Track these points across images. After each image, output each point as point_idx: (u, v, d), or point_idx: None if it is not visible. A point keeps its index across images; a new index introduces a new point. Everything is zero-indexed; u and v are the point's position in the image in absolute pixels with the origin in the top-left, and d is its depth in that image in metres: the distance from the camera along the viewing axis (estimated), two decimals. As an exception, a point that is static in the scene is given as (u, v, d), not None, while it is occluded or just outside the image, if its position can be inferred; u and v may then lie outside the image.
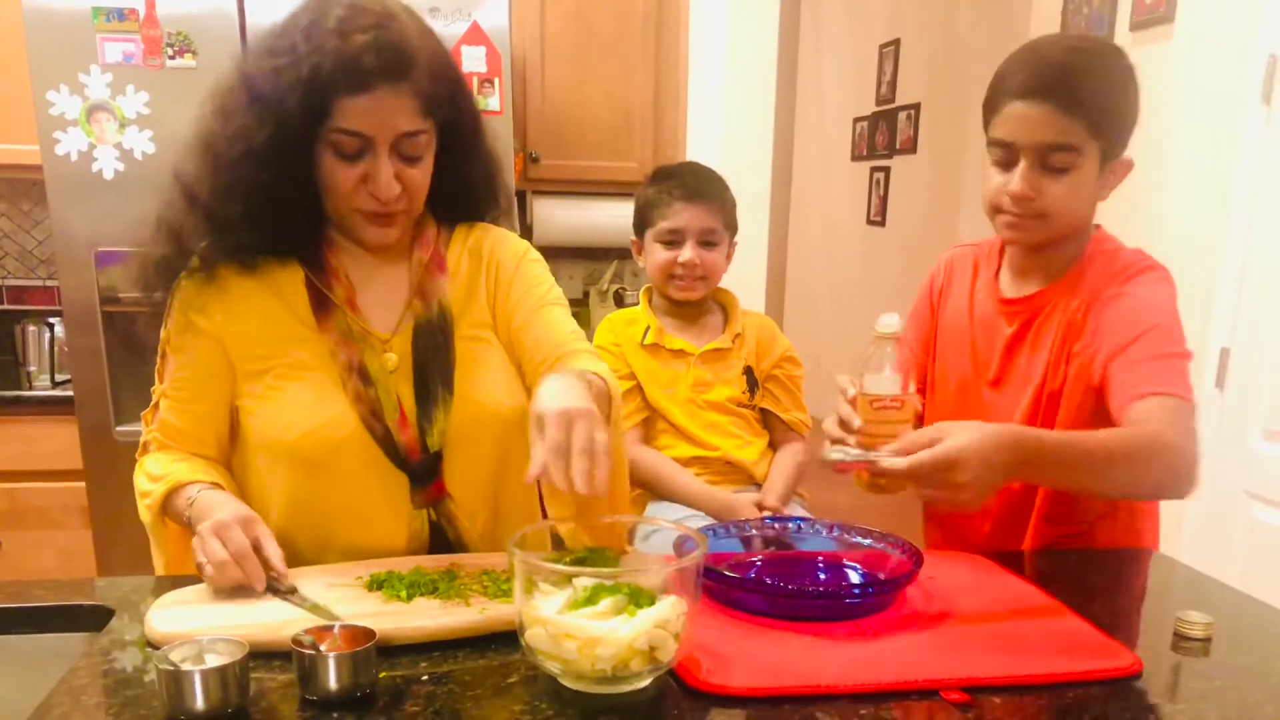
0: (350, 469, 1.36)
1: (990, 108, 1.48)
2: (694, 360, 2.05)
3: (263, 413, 1.37)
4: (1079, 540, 1.58)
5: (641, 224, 2.09)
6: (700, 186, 2.03)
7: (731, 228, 2.07)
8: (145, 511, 1.37)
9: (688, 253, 2.00)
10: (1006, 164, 1.46)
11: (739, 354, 2.08)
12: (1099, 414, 1.44)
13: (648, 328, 2.07)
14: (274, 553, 1.22)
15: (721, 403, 2.04)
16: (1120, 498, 1.53)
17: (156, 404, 1.42)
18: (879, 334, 1.33)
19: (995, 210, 1.50)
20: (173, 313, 1.39)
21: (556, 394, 1.12)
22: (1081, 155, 1.42)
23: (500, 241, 1.52)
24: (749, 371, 2.09)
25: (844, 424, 1.32)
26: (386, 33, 1.25)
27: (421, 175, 1.35)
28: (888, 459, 1.20)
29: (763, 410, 2.11)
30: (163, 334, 1.41)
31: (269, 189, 1.29)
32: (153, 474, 1.37)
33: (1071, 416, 1.50)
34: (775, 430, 2.12)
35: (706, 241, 2.01)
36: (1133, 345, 1.40)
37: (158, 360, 1.43)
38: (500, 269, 1.49)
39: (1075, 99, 1.39)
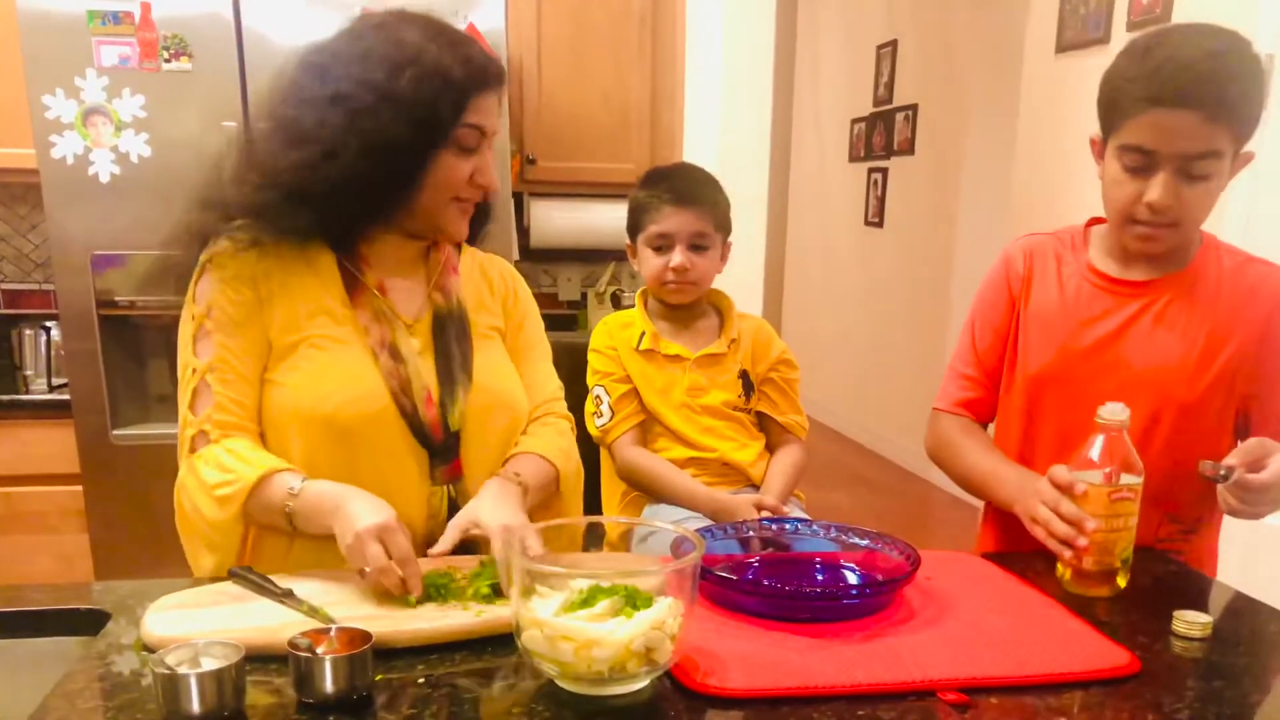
0: (377, 442, 1.40)
1: (1119, 111, 1.44)
2: (689, 365, 2.04)
3: (294, 383, 1.39)
4: (1186, 541, 1.61)
5: (634, 227, 2.08)
6: (690, 189, 2.02)
7: (724, 229, 2.05)
8: (217, 506, 1.31)
9: (678, 257, 1.98)
10: (1140, 170, 1.43)
11: (734, 358, 2.07)
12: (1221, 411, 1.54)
13: (643, 333, 2.06)
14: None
15: (717, 407, 2.04)
16: None
17: (197, 390, 1.38)
18: (1106, 422, 1.32)
19: (1127, 220, 1.48)
20: (208, 290, 1.40)
21: (494, 510, 1.36)
22: (1222, 159, 1.40)
23: (511, 273, 1.69)
24: (745, 375, 2.08)
25: (1077, 524, 1.33)
26: (484, 45, 1.44)
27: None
28: (1250, 475, 1.30)
29: (759, 413, 2.10)
30: (196, 311, 1.40)
31: (381, 183, 1.38)
32: (226, 464, 1.33)
33: (1193, 403, 1.52)
34: (771, 433, 2.11)
35: (697, 245, 2.00)
36: None
37: (189, 344, 1.40)
38: (514, 299, 1.65)
39: (1222, 107, 1.36)
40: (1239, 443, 1.49)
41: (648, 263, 2.03)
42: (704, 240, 2.00)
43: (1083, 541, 1.33)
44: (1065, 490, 1.35)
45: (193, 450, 1.38)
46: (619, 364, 2.04)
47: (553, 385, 1.69)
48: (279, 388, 1.40)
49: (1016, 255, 1.68)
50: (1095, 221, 1.66)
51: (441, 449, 1.44)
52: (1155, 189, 1.42)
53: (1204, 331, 1.52)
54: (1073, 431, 1.49)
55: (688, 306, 2.07)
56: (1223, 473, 1.32)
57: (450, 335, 1.49)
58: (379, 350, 1.42)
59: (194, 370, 1.39)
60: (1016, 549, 1.58)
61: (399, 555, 1.20)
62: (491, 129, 1.44)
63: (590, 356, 2.08)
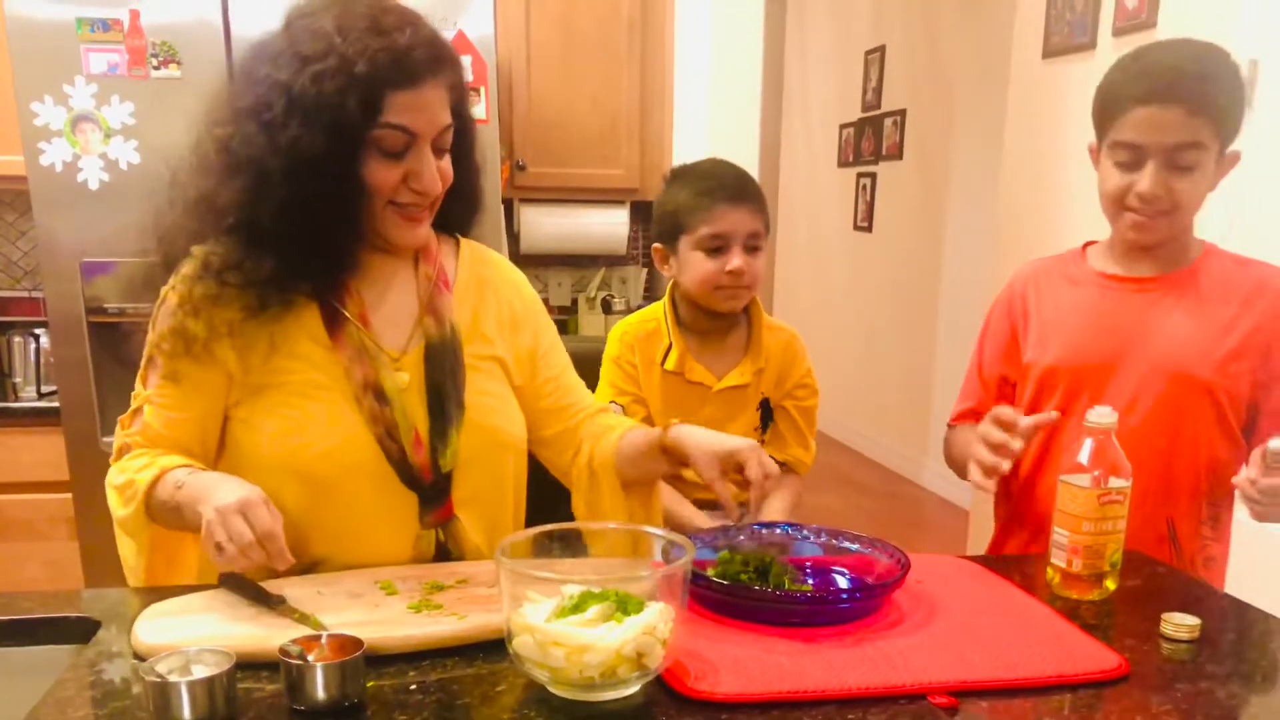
0: (361, 489, 1.34)
1: (1110, 112, 1.54)
2: (710, 395, 1.90)
3: (271, 429, 1.33)
4: (1215, 527, 1.67)
5: (673, 230, 1.87)
6: (743, 186, 1.85)
7: (769, 228, 1.89)
8: (124, 505, 1.31)
9: (736, 260, 1.80)
10: (1131, 165, 1.53)
11: (757, 389, 1.93)
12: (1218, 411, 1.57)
13: (669, 348, 1.90)
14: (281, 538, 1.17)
15: None
16: None
17: (138, 410, 1.37)
18: (1095, 425, 1.33)
19: (1121, 210, 1.56)
20: (165, 316, 1.35)
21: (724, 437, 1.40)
22: (1206, 151, 1.50)
23: (512, 280, 1.58)
24: (765, 403, 1.94)
25: (1002, 448, 1.45)
26: (422, 29, 1.29)
27: (449, 169, 1.37)
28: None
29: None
30: (150, 337, 1.37)
31: (323, 200, 1.27)
32: (133, 467, 1.32)
33: (1214, 386, 1.56)
34: None
35: (751, 246, 1.83)
36: None
37: (142, 364, 1.39)
38: (518, 315, 1.54)
39: (1203, 101, 1.47)
40: (1247, 439, 1.58)
41: (696, 267, 1.84)
42: (757, 240, 1.84)
43: (1005, 465, 1.44)
44: (1008, 426, 1.45)
45: (118, 457, 1.38)
46: (637, 384, 1.90)
47: (583, 386, 1.63)
48: (253, 430, 1.35)
49: (1016, 280, 1.77)
50: (1090, 244, 1.73)
51: (431, 492, 1.38)
52: (1145, 179, 1.50)
53: (1217, 319, 1.57)
54: None
55: (724, 316, 1.92)
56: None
57: (442, 368, 1.40)
58: (362, 393, 1.34)
59: (135, 393, 1.39)
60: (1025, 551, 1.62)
61: (261, 530, 1.14)
62: (422, 129, 1.29)
63: (606, 365, 1.94)
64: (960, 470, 1.76)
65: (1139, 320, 1.60)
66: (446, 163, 1.36)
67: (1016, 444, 1.43)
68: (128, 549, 1.37)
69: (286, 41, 1.27)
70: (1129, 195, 1.53)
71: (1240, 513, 1.96)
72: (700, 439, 1.39)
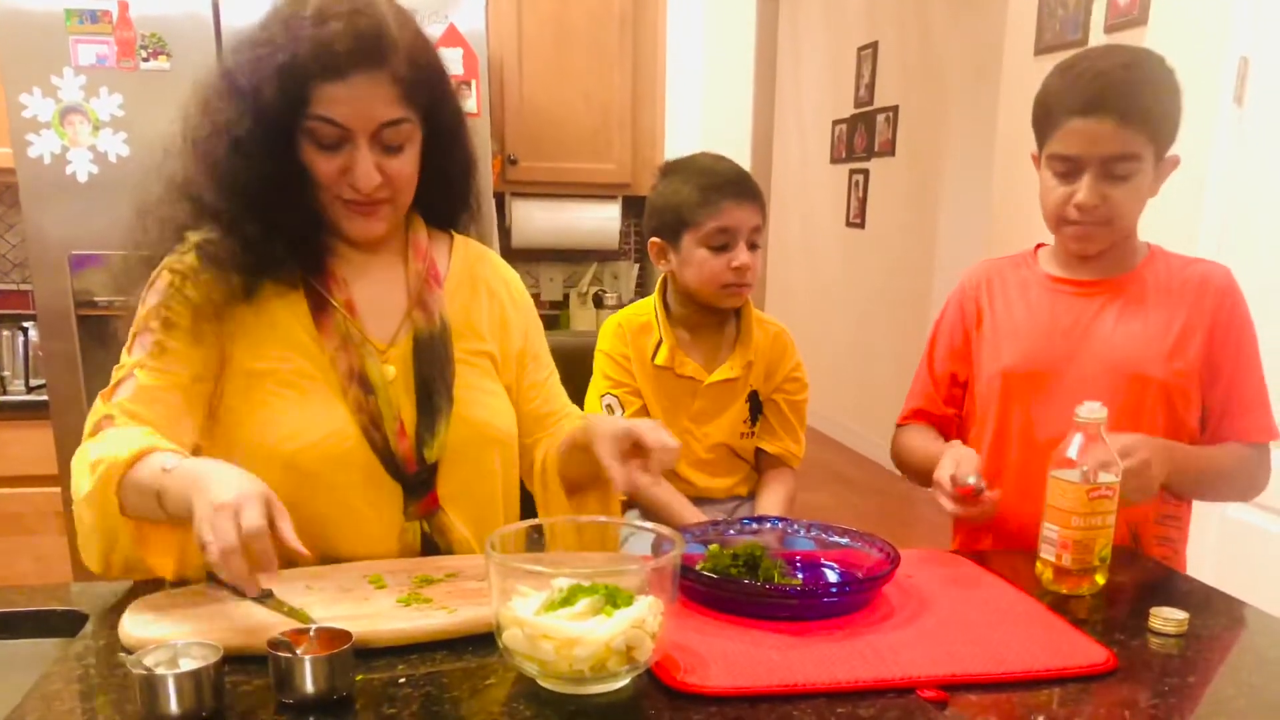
0: (346, 480, 1.33)
1: (1046, 125, 1.56)
2: (700, 389, 1.91)
3: (256, 418, 1.32)
4: (1177, 525, 1.67)
5: (675, 225, 1.86)
6: (746, 181, 1.86)
7: (766, 223, 1.90)
8: (95, 482, 1.20)
9: (743, 256, 1.81)
10: (1068, 176, 1.54)
11: (745, 382, 1.94)
12: (1176, 409, 1.59)
13: (660, 343, 1.91)
14: (289, 533, 1.06)
15: (719, 442, 1.93)
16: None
17: (119, 382, 1.29)
18: (1086, 420, 1.34)
19: (1061, 221, 1.58)
20: (154, 294, 1.32)
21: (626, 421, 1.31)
22: (1141, 161, 1.51)
23: (505, 279, 1.55)
24: (754, 396, 1.95)
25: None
26: (361, 18, 1.24)
27: (404, 165, 1.32)
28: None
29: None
30: (141, 311, 1.32)
31: (263, 181, 1.27)
32: (110, 439, 1.22)
33: (1165, 385, 1.57)
34: (761, 460, 2.00)
35: (752, 243, 1.84)
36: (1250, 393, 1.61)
37: (128, 344, 1.33)
38: (509, 315, 1.52)
39: (1135, 112, 1.48)
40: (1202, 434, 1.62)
41: (702, 265, 1.84)
42: (758, 236, 1.85)
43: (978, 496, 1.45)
44: (965, 500, 1.45)
45: (94, 434, 1.27)
46: (631, 375, 1.90)
47: (564, 394, 1.60)
48: (237, 418, 1.33)
49: (968, 281, 1.77)
50: (1041, 246, 1.76)
51: (416, 483, 1.37)
52: (1082, 190, 1.52)
53: (1163, 320, 1.59)
54: (1045, 424, 1.59)
55: (718, 311, 1.93)
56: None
57: (430, 362, 1.38)
58: (347, 383, 1.33)
59: (117, 367, 1.31)
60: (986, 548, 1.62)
61: (248, 528, 1.01)
62: (354, 123, 1.26)
63: (599, 359, 1.94)
64: (910, 473, 1.79)
65: (1089, 324, 1.62)
66: (401, 161, 1.32)
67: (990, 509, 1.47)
68: (90, 546, 1.28)
69: (249, 30, 1.29)
70: (1068, 207, 1.55)
71: (1233, 509, 1.96)
72: (601, 423, 1.34)
